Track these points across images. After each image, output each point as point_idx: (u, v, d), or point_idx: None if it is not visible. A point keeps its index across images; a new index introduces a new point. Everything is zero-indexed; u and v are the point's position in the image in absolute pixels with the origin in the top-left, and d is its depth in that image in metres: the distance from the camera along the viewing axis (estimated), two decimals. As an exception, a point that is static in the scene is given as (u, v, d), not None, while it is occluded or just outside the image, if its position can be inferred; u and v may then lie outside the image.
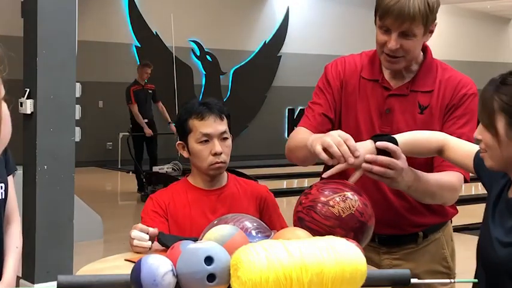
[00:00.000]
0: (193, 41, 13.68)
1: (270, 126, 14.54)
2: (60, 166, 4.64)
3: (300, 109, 14.12)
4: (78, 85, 4.81)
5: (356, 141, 1.98)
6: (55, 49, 4.59)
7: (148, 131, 9.58)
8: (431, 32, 2.19)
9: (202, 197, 2.37)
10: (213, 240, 1.67)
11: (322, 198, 1.87)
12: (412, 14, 2.07)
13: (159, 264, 1.56)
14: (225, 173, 2.43)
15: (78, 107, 4.80)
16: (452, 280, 2.05)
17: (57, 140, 4.62)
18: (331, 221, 1.84)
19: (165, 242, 2.09)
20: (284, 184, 10.62)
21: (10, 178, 2.23)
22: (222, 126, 2.35)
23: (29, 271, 4.63)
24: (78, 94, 4.80)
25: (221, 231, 1.75)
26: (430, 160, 2.21)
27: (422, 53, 2.28)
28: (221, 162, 2.34)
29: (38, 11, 4.52)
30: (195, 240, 1.85)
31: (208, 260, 1.54)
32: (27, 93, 4.58)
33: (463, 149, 2.01)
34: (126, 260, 2.03)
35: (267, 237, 1.92)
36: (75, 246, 4.76)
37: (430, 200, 2.17)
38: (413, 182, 2.03)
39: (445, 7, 16.94)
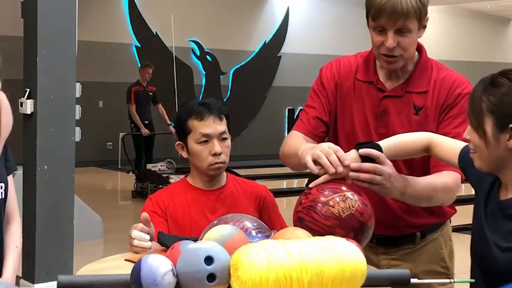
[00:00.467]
0: (193, 41, 13.68)
1: (270, 126, 14.54)
2: (60, 166, 4.64)
3: (300, 109, 14.09)
4: (78, 85, 4.81)
5: (352, 143, 2.00)
6: (55, 49, 4.59)
7: (145, 131, 9.68)
8: (425, 27, 2.19)
9: (202, 197, 2.37)
10: (213, 240, 1.67)
11: (322, 198, 1.87)
12: (405, 10, 2.07)
13: (159, 264, 1.56)
14: (224, 173, 2.43)
15: (78, 107, 4.80)
16: (451, 280, 2.04)
17: (57, 140, 4.62)
18: (331, 221, 1.84)
19: (165, 242, 2.09)
20: (284, 184, 10.62)
21: (10, 178, 2.23)
22: (221, 126, 2.35)
23: (29, 271, 4.63)
24: (78, 94, 4.80)
25: (221, 231, 1.75)
26: (426, 162, 2.21)
27: (417, 53, 2.28)
28: (220, 162, 2.34)
29: (38, 11, 4.52)
30: (195, 240, 1.85)
31: (208, 260, 1.54)
32: (27, 93, 4.58)
33: (448, 146, 2.01)
34: (126, 260, 2.03)
35: (267, 237, 1.92)
36: (75, 246, 4.76)
37: (427, 203, 2.17)
38: (406, 188, 2.02)
39: (445, 7, 16.96)
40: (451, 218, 2.42)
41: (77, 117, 4.80)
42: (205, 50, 13.82)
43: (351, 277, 1.54)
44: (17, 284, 4.22)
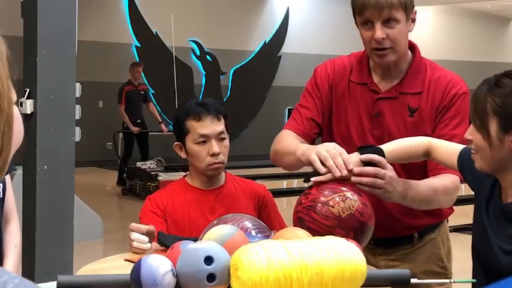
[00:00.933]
0: (193, 41, 13.67)
1: (270, 126, 14.52)
2: (60, 166, 4.64)
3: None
4: (78, 85, 4.81)
5: (347, 144, 2.00)
6: (55, 49, 4.59)
7: (135, 129, 9.76)
8: (413, 20, 2.18)
9: (201, 197, 2.37)
10: (212, 240, 1.67)
11: (322, 198, 1.87)
12: (389, 0, 2.08)
13: (159, 264, 1.56)
14: (223, 173, 2.43)
15: (78, 107, 4.79)
16: (451, 280, 2.04)
17: (57, 140, 4.62)
18: (331, 221, 1.84)
19: (164, 242, 2.09)
20: (284, 184, 10.62)
21: (7, 177, 2.23)
22: (219, 126, 2.35)
23: (29, 271, 4.63)
24: (78, 94, 4.80)
25: (221, 231, 1.75)
26: (424, 165, 2.21)
27: (410, 52, 2.26)
28: (219, 162, 2.34)
29: (38, 11, 4.52)
30: (195, 240, 1.85)
31: (208, 260, 1.54)
32: (27, 93, 4.58)
33: (447, 149, 2.01)
34: (126, 260, 2.04)
35: (267, 237, 1.92)
36: (75, 246, 4.75)
37: (427, 206, 2.17)
38: (407, 191, 2.03)
39: (445, 7, 16.97)
40: (449, 218, 2.42)
41: (77, 117, 4.79)
42: (205, 50, 13.82)
43: (351, 277, 1.54)
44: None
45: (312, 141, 2.30)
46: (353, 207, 1.86)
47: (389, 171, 1.97)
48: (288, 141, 2.26)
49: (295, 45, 14.96)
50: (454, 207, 2.35)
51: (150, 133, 10.44)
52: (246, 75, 14.37)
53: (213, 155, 2.32)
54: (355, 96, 2.28)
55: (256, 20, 14.63)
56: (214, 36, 13.72)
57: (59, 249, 4.65)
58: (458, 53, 17.42)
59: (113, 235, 6.68)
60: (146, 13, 13.02)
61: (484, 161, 1.75)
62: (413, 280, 1.71)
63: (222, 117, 2.37)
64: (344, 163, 1.93)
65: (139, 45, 13.02)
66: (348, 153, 1.98)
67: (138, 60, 12.63)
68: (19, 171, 4.88)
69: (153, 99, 13.27)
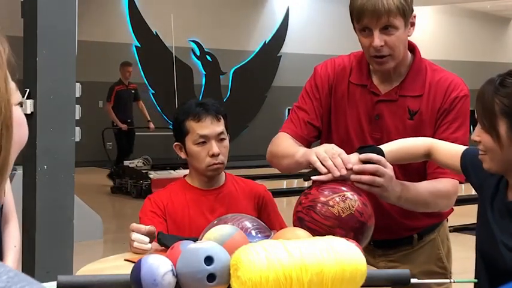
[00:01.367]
0: (193, 41, 13.68)
1: (270, 126, 14.50)
2: (60, 166, 4.63)
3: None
4: (78, 85, 4.80)
5: (347, 147, 1.99)
6: (55, 49, 4.59)
7: (124, 126, 9.86)
8: (413, 24, 2.16)
9: (201, 197, 2.37)
10: (212, 240, 1.67)
11: (322, 198, 1.87)
12: (387, 6, 2.05)
13: (159, 264, 1.56)
14: (223, 173, 2.43)
15: (78, 107, 4.79)
16: (452, 280, 2.04)
17: (57, 140, 4.62)
18: (330, 221, 1.84)
19: (165, 242, 2.09)
20: (284, 184, 10.62)
21: (7, 178, 2.23)
22: (219, 127, 2.35)
23: (29, 271, 4.63)
24: (78, 94, 4.80)
25: (221, 231, 1.75)
26: (423, 168, 2.20)
27: (410, 54, 2.25)
28: (219, 163, 2.34)
29: (38, 11, 4.52)
30: (195, 240, 1.85)
31: (208, 260, 1.54)
32: (27, 93, 4.58)
33: (449, 151, 2.01)
34: (126, 260, 2.04)
35: (267, 237, 1.92)
36: (75, 246, 4.75)
37: (424, 209, 2.17)
38: (402, 192, 2.02)
39: (445, 7, 16.97)
40: (449, 218, 2.42)
41: (77, 117, 4.79)
42: (205, 50, 13.82)
43: (351, 277, 1.54)
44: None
45: (309, 145, 2.28)
46: (353, 207, 1.86)
47: (389, 170, 1.96)
48: (286, 144, 2.25)
49: (295, 45, 14.96)
50: (453, 207, 2.35)
51: (136, 133, 10.60)
52: (246, 75, 14.37)
53: (213, 155, 2.32)
54: (354, 99, 2.26)
55: (256, 20, 14.63)
56: (214, 36, 13.72)
57: (59, 249, 4.65)
58: (458, 53, 17.41)
59: (113, 235, 6.68)
60: (146, 13, 13.02)
61: (494, 162, 1.74)
62: (413, 280, 1.71)
63: (221, 118, 2.37)
64: (343, 163, 1.93)
65: (139, 45, 13.02)
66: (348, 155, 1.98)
67: (138, 60, 12.65)
68: (19, 171, 4.89)
69: (153, 99, 13.29)
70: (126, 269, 1.65)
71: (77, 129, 4.77)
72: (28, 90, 4.58)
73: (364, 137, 2.22)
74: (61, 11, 4.62)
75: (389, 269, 2.25)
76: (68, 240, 4.68)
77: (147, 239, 2.09)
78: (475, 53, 18.01)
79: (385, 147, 2.03)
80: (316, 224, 1.85)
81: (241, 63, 14.43)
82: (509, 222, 1.74)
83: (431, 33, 16.11)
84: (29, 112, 4.56)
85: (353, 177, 1.94)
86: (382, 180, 1.94)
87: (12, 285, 0.72)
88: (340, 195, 1.87)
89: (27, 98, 4.56)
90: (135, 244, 2.08)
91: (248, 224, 1.97)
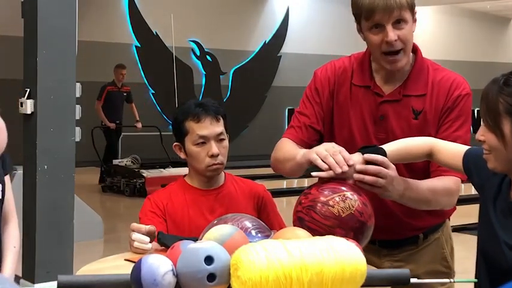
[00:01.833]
0: (193, 41, 13.68)
1: (270, 126, 14.53)
2: (60, 166, 4.64)
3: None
4: (78, 85, 4.81)
5: (351, 149, 1.99)
6: (55, 49, 4.59)
7: (112, 125, 9.98)
8: (415, 21, 2.17)
9: (200, 197, 2.37)
10: (212, 240, 1.67)
11: (322, 198, 1.87)
12: (398, 1, 2.07)
13: (159, 264, 1.56)
14: (223, 173, 2.43)
15: (78, 107, 4.79)
16: (452, 280, 2.04)
17: (57, 140, 4.62)
18: (330, 220, 1.84)
19: (165, 241, 2.10)
20: (284, 184, 10.62)
21: (7, 178, 2.23)
22: (218, 127, 2.35)
23: (29, 271, 4.63)
24: (78, 94, 4.80)
25: (221, 230, 1.75)
26: (428, 166, 2.20)
27: (412, 54, 2.24)
28: (218, 163, 2.34)
29: (38, 11, 4.52)
30: (195, 240, 1.85)
31: (208, 259, 1.54)
32: (27, 93, 4.58)
33: (451, 150, 2.01)
34: (126, 260, 2.04)
35: (267, 237, 1.92)
36: (75, 246, 4.75)
37: (426, 206, 2.17)
38: (405, 190, 2.02)
39: (445, 7, 16.96)
40: (451, 218, 2.43)
41: (77, 117, 4.80)
42: (205, 50, 13.83)
43: (351, 277, 1.54)
44: (17, 284, 4.22)
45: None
46: (353, 207, 1.86)
47: (392, 171, 1.96)
48: (287, 148, 2.26)
49: (295, 45, 14.96)
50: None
51: (124, 133, 10.71)
52: (246, 75, 14.37)
53: (212, 156, 2.32)
54: (357, 100, 2.25)
55: (256, 20, 14.63)
56: (214, 36, 13.72)
57: (59, 249, 4.65)
58: (458, 53, 17.41)
59: (113, 235, 6.68)
60: (146, 13, 13.02)
61: (498, 161, 1.74)
62: (413, 280, 1.71)
63: (221, 118, 2.37)
64: (344, 159, 1.93)
65: (139, 45, 13.02)
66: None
67: (138, 60, 12.65)
68: (19, 171, 4.90)
69: (153, 99, 13.29)
70: (126, 269, 1.65)
71: (77, 129, 4.78)
72: (28, 90, 4.58)
73: (369, 138, 2.22)
74: (61, 11, 4.62)
75: (395, 268, 2.26)
76: (68, 240, 4.69)
77: (147, 239, 2.09)
78: (475, 53, 18.02)
79: (387, 147, 2.03)
80: (316, 223, 1.85)
81: (241, 63, 14.44)
82: None
83: (431, 33, 16.12)
84: (29, 112, 4.57)
85: (356, 176, 1.94)
86: (384, 182, 1.94)
87: None
88: (340, 195, 1.87)
89: (27, 98, 4.57)
90: (136, 244, 2.08)
91: (248, 224, 1.97)
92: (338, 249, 1.55)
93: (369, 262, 1.65)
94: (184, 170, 2.55)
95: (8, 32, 9.25)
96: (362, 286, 1.58)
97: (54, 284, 1.61)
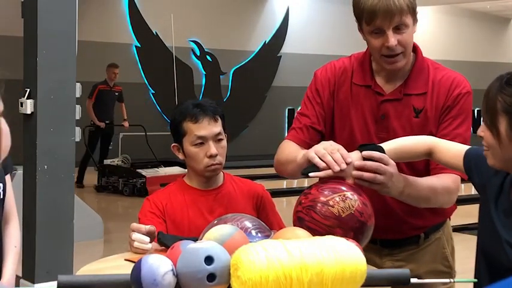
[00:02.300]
0: (193, 41, 13.68)
1: (270, 126, 14.54)
2: (60, 166, 4.64)
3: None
4: (78, 85, 4.81)
5: (352, 149, 1.99)
6: (55, 49, 4.59)
7: (101, 124, 9.94)
8: (417, 21, 2.17)
9: (200, 198, 2.37)
10: (212, 240, 1.67)
11: (322, 198, 1.87)
12: (399, 6, 2.06)
13: (159, 264, 1.56)
14: (221, 173, 2.43)
15: (78, 107, 4.80)
16: (451, 280, 2.04)
17: (57, 140, 4.62)
18: (330, 220, 1.84)
19: (165, 241, 2.10)
20: (284, 184, 10.62)
21: (8, 177, 2.23)
22: (216, 127, 2.35)
23: (29, 271, 4.63)
24: (78, 94, 4.80)
25: (221, 230, 1.75)
26: (428, 164, 2.20)
27: (412, 53, 2.25)
28: (217, 163, 2.34)
29: (38, 11, 4.52)
30: (195, 240, 1.85)
31: (208, 259, 1.54)
32: (27, 93, 4.58)
33: (451, 150, 2.01)
34: (126, 260, 2.04)
35: (267, 237, 1.92)
36: (75, 246, 4.75)
37: (426, 204, 2.17)
38: (404, 187, 2.02)
39: (445, 7, 16.96)
40: (451, 217, 2.43)
41: (77, 117, 4.80)
42: (205, 50, 13.82)
43: (351, 277, 1.54)
44: (17, 284, 4.22)
45: None
46: (353, 207, 1.86)
47: (391, 168, 1.96)
48: (289, 150, 2.26)
49: (295, 45, 14.96)
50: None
51: (123, 133, 10.75)
52: (246, 75, 14.37)
53: (211, 156, 2.32)
54: (358, 99, 2.26)
55: (256, 20, 14.63)
56: (214, 36, 13.72)
57: (59, 249, 4.65)
58: (458, 53, 17.41)
59: (113, 235, 6.68)
60: (146, 13, 13.01)
61: (495, 159, 1.75)
62: (413, 280, 1.71)
63: (219, 118, 2.37)
64: (342, 157, 1.93)
65: (139, 45, 13.02)
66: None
67: (138, 60, 12.65)
68: (19, 171, 4.89)
69: (153, 99, 13.29)
70: (126, 269, 1.65)
71: (77, 129, 4.78)
72: (28, 90, 4.58)
73: (370, 137, 2.22)
74: (61, 11, 4.62)
75: (396, 268, 2.26)
76: (68, 240, 4.69)
77: (147, 239, 2.09)
78: (475, 53, 18.02)
79: (386, 145, 2.03)
80: (316, 223, 1.85)
81: (241, 63, 14.43)
82: None
83: (431, 33, 16.11)
84: (29, 112, 4.57)
85: (354, 173, 1.94)
86: (383, 178, 1.94)
87: None
88: (340, 195, 1.87)
89: (27, 98, 4.57)
90: (136, 244, 2.09)
91: (248, 224, 1.97)
92: (338, 249, 1.55)
93: (370, 262, 1.65)
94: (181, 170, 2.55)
95: (8, 32, 9.26)
96: (362, 286, 1.58)
97: (54, 284, 1.61)
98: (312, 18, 15.12)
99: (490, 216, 1.80)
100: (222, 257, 1.56)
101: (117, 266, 1.98)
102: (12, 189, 2.28)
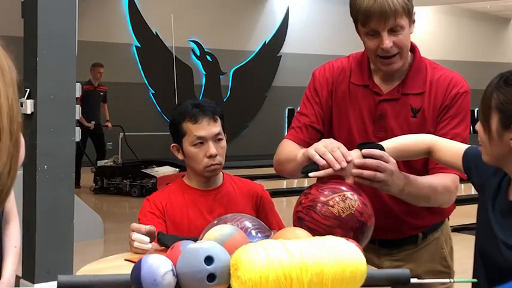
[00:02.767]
0: (193, 41, 13.68)
1: (270, 126, 14.55)
2: (60, 166, 4.64)
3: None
4: (78, 85, 4.81)
5: (350, 147, 1.99)
6: (55, 49, 4.59)
7: (90, 125, 9.92)
8: (414, 22, 2.17)
9: (199, 198, 2.37)
10: (212, 240, 1.67)
11: (322, 198, 1.87)
12: (393, 8, 2.06)
13: (159, 264, 1.56)
14: (221, 173, 2.43)
15: (78, 107, 4.80)
16: (451, 280, 2.04)
17: (57, 140, 4.62)
18: (330, 220, 1.84)
19: (165, 242, 2.10)
20: (284, 184, 10.62)
21: (8, 178, 2.23)
22: (216, 128, 2.35)
23: (29, 271, 4.63)
24: (78, 94, 4.80)
25: (221, 230, 1.75)
26: (427, 164, 2.21)
27: (410, 53, 2.25)
28: (216, 163, 2.34)
29: (38, 11, 4.52)
30: (195, 240, 1.85)
31: (208, 259, 1.54)
32: (27, 93, 4.58)
33: (451, 149, 2.01)
34: (126, 260, 2.04)
35: (267, 237, 1.92)
36: (75, 246, 4.75)
37: (425, 203, 2.17)
38: (405, 186, 2.02)
39: (445, 7, 16.96)
40: (450, 217, 2.43)
41: (77, 117, 4.80)
42: (205, 50, 13.83)
43: (351, 277, 1.54)
44: (17, 284, 4.22)
45: None
46: (353, 207, 1.86)
47: (391, 165, 1.96)
48: (289, 149, 2.26)
49: (295, 45, 14.97)
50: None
51: (126, 133, 10.79)
52: (246, 75, 14.38)
53: (210, 156, 2.32)
54: (356, 99, 2.26)
55: (256, 20, 14.63)
56: (214, 36, 13.73)
57: (59, 249, 4.65)
58: (458, 53, 17.42)
59: (113, 235, 6.68)
60: (146, 13, 13.02)
61: (486, 154, 1.76)
62: (413, 280, 1.71)
63: (218, 118, 2.37)
64: (343, 155, 1.93)
65: (139, 45, 13.03)
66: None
67: (138, 60, 12.65)
68: (19, 171, 4.89)
69: (153, 99, 13.30)
70: (126, 269, 1.65)
71: (77, 129, 4.78)
72: (28, 90, 4.58)
73: (368, 137, 2.22)
74: (61, 11, 4.62)
75: (394, 268, 2.26)
76: (68, 240, 4.69)
77: (147, 239, 2.09)
78: (475, 53, 18.02)
79: (385, 143, 2.04)
80: (316, 224, 1.85)
81: (241, 63, 14.44)
82: (511, 222, 1.74)
83: (431, 33, 16.12)
84: (29, 112, 4.57)
85: (354, 171, 1.94)
86: (383, 176, 1.94)
87: None
88: (340, 195, 1.87)
89: (27, 98, 4.57)
90: (136, 244, 2.09)
91: (248, 224, 1.97)
92: (338, 249, 1.55)
93: (368, 261, 1.65)
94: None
95: (8, 32, 9.26)
96: (362, 286, 1.58)
97: (54, 284, 1.61)
98: (312, 18, 15.13)
99: (487, 216, 1.80)
100: (222, 257, 1.56)
101: (117, 266, 1.98)
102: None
